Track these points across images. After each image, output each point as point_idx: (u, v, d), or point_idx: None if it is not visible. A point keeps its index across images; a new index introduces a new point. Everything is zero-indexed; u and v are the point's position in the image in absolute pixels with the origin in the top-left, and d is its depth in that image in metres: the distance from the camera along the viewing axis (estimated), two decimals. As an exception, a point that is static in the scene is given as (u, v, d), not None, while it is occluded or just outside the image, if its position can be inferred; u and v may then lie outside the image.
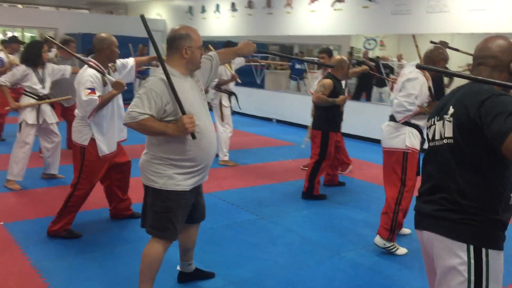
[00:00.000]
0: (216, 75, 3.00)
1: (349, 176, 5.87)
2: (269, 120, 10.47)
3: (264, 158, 6.75)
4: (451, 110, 1.76)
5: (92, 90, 3.41)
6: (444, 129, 1.78)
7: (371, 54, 12.20)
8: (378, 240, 3.72)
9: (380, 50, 13.22)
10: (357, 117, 8.12)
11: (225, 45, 6.29)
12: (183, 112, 2.41)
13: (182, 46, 2.51)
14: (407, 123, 3.60)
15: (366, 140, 8.29)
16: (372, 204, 4.92)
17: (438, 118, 1.85)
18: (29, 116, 4.80)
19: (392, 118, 3.70)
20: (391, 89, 9.74)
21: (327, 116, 4.92)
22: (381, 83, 10.40)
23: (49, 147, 5.09)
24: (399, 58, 11.05)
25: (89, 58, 3.63)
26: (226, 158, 6.28)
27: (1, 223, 3.95)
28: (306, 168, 5.85)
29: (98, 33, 3.66)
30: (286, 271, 3.37)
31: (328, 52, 5.86)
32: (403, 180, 3.64)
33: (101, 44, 3.57)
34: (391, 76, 10.33)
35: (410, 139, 3.59)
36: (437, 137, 1.83)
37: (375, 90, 10.71)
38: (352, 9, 8.77)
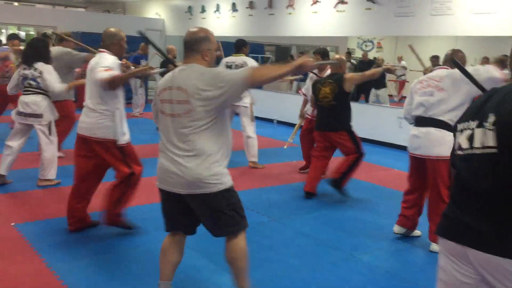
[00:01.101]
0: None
1: (356, 178, 5.87)
2: (270, 121, 10.46)
3: (269, 159, 6.74)
4: (491, 117, 1.65)
5: (109, 68, 3.40)
6: (486, 137, 1.66)
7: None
8: (436, 247, 3.74)
9: (377, 52, 13.28)
10: (358, 119, 8.10)
11: (236, 43, 6.28)
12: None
13: (202, 49, 2.51)
14: (449, 128, 3.54)
15: (369, 142, 8.30)
16: (381, 206, 4.94)
17: (477, 124, 1.71)
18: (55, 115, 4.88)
19: (430, 123, 3.63)
20: (399, 91, 9.80)
21: (348, 116, 5.01)
22: (379, 85, 10.43)
23: None
24: (400, 59, 11.10)
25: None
26: (255, 159, 6.32)
27: (12, 224, 3.91)
28: (303, 171, 5.87)
29: (107, 28, 3.65)
30: (301, 273, 3.36)
31: (322, 53, 5.78)
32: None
33: (111, 39, 3.57)
34: (403, 78, 10.40)
35: None
36: (476, 144, 1.69)
37: (373, 91, 10.75)
38: (355, 10, 8.79)
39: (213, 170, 2.45)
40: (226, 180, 2.52)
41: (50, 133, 4.84)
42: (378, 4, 8.37)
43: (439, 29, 7.47)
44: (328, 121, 5.02)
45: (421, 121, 3.72)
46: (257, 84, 2.49)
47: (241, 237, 2.64)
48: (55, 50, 5.67)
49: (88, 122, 3.59)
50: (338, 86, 4.89)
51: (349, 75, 5.00)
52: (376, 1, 8.39)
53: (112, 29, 3.63)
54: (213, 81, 2.39)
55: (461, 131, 1.79)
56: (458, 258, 1.69)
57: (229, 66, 6.16)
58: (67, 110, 5.64)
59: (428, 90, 3.67)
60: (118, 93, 3.56)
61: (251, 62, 6.15)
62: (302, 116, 6.18)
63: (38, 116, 4.75)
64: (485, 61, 7.99)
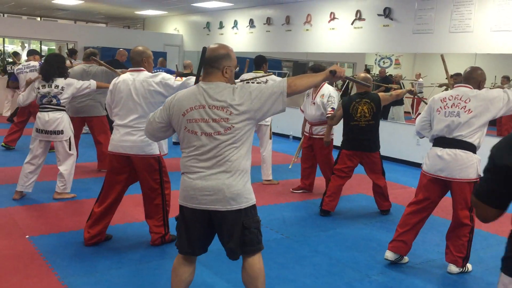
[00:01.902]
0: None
1: (371, 195, 5.79)
2: (286, 136, 10.44)
3: (283, 175, 6.70)
4: None
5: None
6: None
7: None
8: (454, 269, 3.69)
9: (395, 69, 13.20)
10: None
11: (256, 59, 6.28)
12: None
13: (223, 66, 2.49)
14: (474, 150, 3.52)
15: (385, 159, 8.20)
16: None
17: None
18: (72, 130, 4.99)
19: (457, 145, 3.53)
20: (416, 109, 9.70)
21: (378, 135, 5.01)
22: (396, 102, 10.32)
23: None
24: (418, 77, 11.00)
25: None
26: (270, 177, 6.32)
27: (27, 236, 3.93)
28: (297, 191, 5.83)
29: (135, 47, 3.73)
30: (315, 293, 3.30)
31: (315, 69, 5.48)
32: (472, 209, 3.58)
33: (141, 57, 3.64)
34: (420, 95, 10.27)
35: (480, 168, 3.49)
36: None
37: (391, 109, 10.65)
38: (372, 27, 8.78)
39: (247, 186, 2.51)
40: (253, 197, 2.56)
41: (70, 149, 4.89)
42: (396, 21, 8.35)
43: (458, 46, 7.40)
44: (365, 141, 4.94)
45: (445, 142, 3.57)
46: (295, 92, 2.50)
47: (260, 256, 2.61)
48: (94, 67, 5.94)
49: (134, 140, 3.61)
50: (376, 106, 4.84)
51: (382, 95, 4.98)
52: (394, 18, 8.37)
53: (140, 48, 3.70)
54: (247, 95, 2.41)
55: None
56: None
57: (249, 83, 6.12)
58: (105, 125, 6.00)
59: (454, 110, 3.54)
60: None
61: (274, 79, 6.13)
62: (303, 133, 6.13)
63: (60, 132, 4.81)
64: (505, 80, 7.88)
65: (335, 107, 5.31)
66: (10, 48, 16.94)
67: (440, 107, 3.64)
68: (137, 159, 3.63)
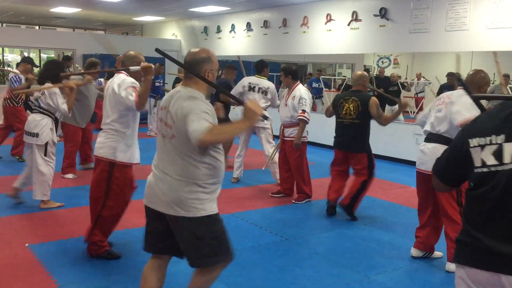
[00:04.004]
0: None
1: (371, 196, 5.79)
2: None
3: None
4: None
5: (135, 87, 3.48)
6: None
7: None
8: (452, 267, 3.66)
9: (394, 68, 13.22)
10: (374, 136, 8.02)
11: (257, 64, 6.30)
12: (241, 103, 2.53)
13: (204, 70, 2.48)
14: None
15: (385, 159, 8.21)
16: (398, 225, 4.85)
17: (504, 138, 1.63)
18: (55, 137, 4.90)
19: (437, 140, 3.62)
20: (416, 107, 9.68)
21: (368, 136, 4.93)
22: (393, 102, 10.32)
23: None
24: (419, 77, 10.99)
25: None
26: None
27: (26, 244, 3.94)
28: (276, 195, 5.71)
29: (127, 51, 3.72)
30: (315, 294, 3.30)
31: (285, 71, 5.49)
32: (461, 203, 3.64)
33: (132, 61, 3.62)
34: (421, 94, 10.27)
35: None
36: (506, 160, 1.61)
37: (387, 108, 10.65)
38: (369, 28, 8.79)
39: (197, 195, 2.41)
40: (208, 207, 2.45)
41: (45, 154, 4.76)
42: (392, 21, 8.36)
43: (455, 44, 7.40)
44: (349, 141, 4.90)
45: (428, 137, 3.74)
46: (207, 145, 2.36)
47: (213, 271, 2.53)
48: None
49: (99, 141, 3.62)
50: (362, 105, 4.78)
51: (374, 102, 4.78)
52: (390, 18, 8.38)
53: (132, 52, 3.69)
54: (184, 115, 2.34)
55: (482, 146, 1.67)
56: (487, 287, 1.62)
57: (252, 88, 6.12)
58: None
59: (440, 108, 3.68)
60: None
61: (273, 90, 6.14)
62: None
63: (34, 135, 4.71)
64: (506, 79, 7.86)
65: (307, 109, 5.27)
66: (10, 57, 17.00)
67: (434, 106, 3.78)
68: (97, 160, 3.65)
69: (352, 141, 4.87)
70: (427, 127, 3.77)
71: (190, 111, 2.33)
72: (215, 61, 2.54)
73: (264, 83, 6.14)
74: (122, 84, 3.49)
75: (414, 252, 3.98)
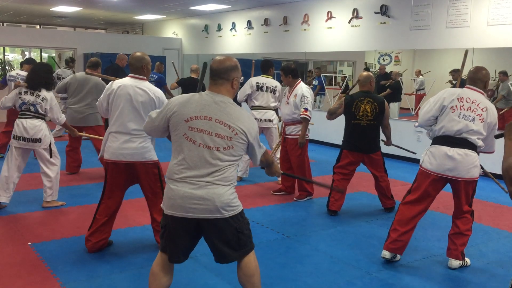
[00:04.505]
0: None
1: (372, 193, 5.80)
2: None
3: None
4: None
5: None
6: None
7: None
8: (455, 263, 3.71)
9: (395, 66, 13.20)
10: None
11: (263, 63, 6.30)
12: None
13: (232, 78, 2.54)
14: (476, 149, 3.60)
15: (386, 156, 8.19)
16: (399, 222, 4.85)
17: None
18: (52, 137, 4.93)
19: (465, 145, 3.54)
20: (416, 106, 9.66)
21: (379, 136, 5.01)
22: (393, 99, 10.31)
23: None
24: (418, 74, 10.98)
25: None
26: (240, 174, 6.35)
27: (29, 243, 3.96)
28: (277, 193, 5.74)
29: (133, 53, 3.72)
30: (316, 291, 3.32)
31: (284, 70, 5.47)
32: (471, 204, 3.70)
33: (141, 63, 3.63)
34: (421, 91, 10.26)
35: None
36: None
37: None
38: (370, 25, 8.79)
39: (235, 195, 2.58)
40: (240, 203, 2.62)
41: (50, 156, 4.81)
42: (393, 18, 8.36)
43: (455, 41, 7.41)
44: (366, 142, 4.90)
45: (453, 142, 3.55)
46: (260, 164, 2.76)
47: (253, 254, 2.69)
48: (96, 79, 6.04)
49: (135, 147, 3.60)
50: (379, 107, 4.80)
51: (387, 105, 4.93)
52: (391, 15, 8.38)
53: (138, 53, 3.68)
54: (251, 130, 2.53)
55: None
56: None
57: (260, 87, 6.12)
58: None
59: (469, 114, 3.53)
60: None
61: (280, 89, 6.19)
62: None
63: (38, 140, 4.71)
64: (504, 77, 7.86)
65: (309, 107, 5.27)
66: (11, 56, 17.03)
67: (456, 106, 3.56)
68: (139, 166, 3.64)
69: (371, 142, 4.93)
70: (446, 130, 3.58)
71: (256, 131, 2.58)
72: (240, 69, 2.60)
73: (272, 82, 6.16)
74: (156, 91, 3.65)
75: (389, 255, 3.76)
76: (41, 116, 4.78)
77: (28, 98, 4.73)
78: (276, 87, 6.14)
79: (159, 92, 3.67)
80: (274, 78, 6.36)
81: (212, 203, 2.44)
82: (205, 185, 2.45)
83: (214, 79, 2.54)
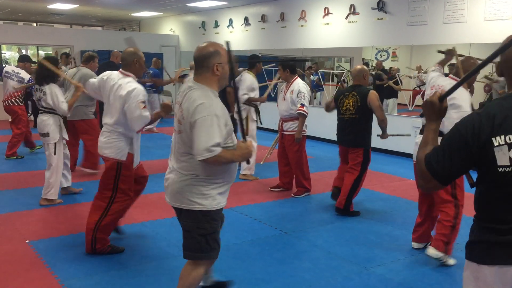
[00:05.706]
0: None
1: (370, 189, 5.81)
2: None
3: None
4: None
5: (145, 105, 3.47)
6: None
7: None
8: (433, 252, 3.68)
9: (392, 61, 13.20)
10: (372, 129, 8.06)
11: (250, 59, 6.29)
12: (244, 137, 2.63)
13: (212, 64, 2.48)
14: None
15: (383, 152, 8.23)
16: (397, 217, 4.87)
17: None
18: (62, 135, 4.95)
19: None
20: (413, 102, 9.67)
21: (369, 131, 4.82)
22: (390, 95, 10.33)
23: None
24: (419, 69, 10.98)
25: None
26: (248, 172, 6.25)
27: (27, 241, 3.96)
28: (275, 189, 5.73)
29: (126, 48, 3.70)
30: (313, 287, 3.32)
31: (283, 64, 5.52)
32: (455, 195, 3.68)
33: (132, 58, 3.61)
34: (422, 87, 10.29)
35: None
36: None
37: (384, 101, 10.64)
38: (367, 21, 8.78)
39: (198, 189, 2.47)
40: (207, 203, 2.49)
41: (54, 153, 4.85)
42: (390, 14, 8.35)
43: (452, 37, 7.40)
44: (349, 136, 4.83)
45: (422, 130, 3.74)
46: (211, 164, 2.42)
47: (199, 266, 2.60)
48: (84, 71, 5.97)
49: (102, 141, 3.63)
50: (361, 100, 4.71)
51: (373, 95, 4.69)
52: (388, 11, 8.37)
53: (131, 49, 3.67)
54: (194, 119, 2.35)
55: (510, 145, 1.54)
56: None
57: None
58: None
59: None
60: None
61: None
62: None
63: (46, 135, 4.82)
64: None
65: (305, 103, 5.26)
66: (7, 54, 16.97)
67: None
68: (104, 159, 3.67)
69: (351, 136, 4.82)
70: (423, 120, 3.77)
71: (200, 115, 2.34)
72: (223, 53, 2.51)
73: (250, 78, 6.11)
74: (133, 91, 3.44)
75: (415, 245, 4.03)
76: (49, 111, 4.84)
77: (38, 94, 4.86)
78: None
79: (132, 89, 3.44)
80: (263, 74, 6.30)
81: (171, 188, 2.54)
82: (172, 170, 2.57)
83: (196, 67, 2.55)
